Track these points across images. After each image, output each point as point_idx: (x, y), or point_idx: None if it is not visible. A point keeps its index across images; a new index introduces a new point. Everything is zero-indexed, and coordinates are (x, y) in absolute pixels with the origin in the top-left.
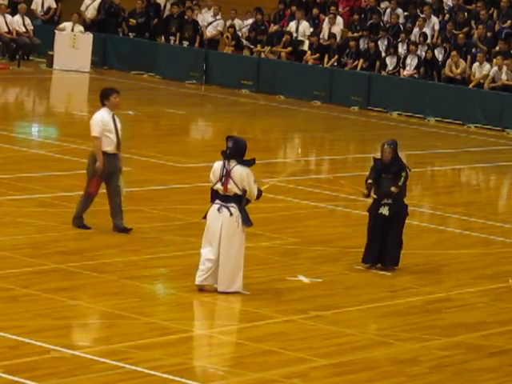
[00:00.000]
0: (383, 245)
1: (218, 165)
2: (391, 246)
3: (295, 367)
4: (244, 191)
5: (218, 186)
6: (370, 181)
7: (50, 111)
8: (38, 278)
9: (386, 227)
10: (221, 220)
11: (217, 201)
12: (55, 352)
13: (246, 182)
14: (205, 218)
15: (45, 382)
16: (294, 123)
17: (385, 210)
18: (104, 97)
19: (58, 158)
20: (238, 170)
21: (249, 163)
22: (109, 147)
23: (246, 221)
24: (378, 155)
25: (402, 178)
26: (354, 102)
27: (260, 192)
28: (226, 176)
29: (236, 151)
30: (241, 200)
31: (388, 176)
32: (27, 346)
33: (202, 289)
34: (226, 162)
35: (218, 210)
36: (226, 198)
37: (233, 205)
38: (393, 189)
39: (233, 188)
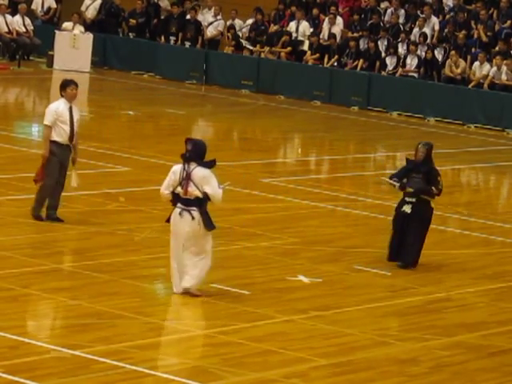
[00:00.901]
0: (402, 242)
1: (177, 168)
2: (410, 245)
3: (295, 367)
4: (205, 194)
5: (179, 190)
6: (395, 178)
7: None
8: (37, 277)
9: (407, 225)
10: (183, 224)
11: (178, 204)
12: (55, 352)
13: (206, 184)
14: (168, 221)
15: (45, 382)
16: (294, 123)
17: (408, 208)
18: (62, 88)
19: None
20: (198, 172)
21: (209, 165)
22: (60, 138)
23: (209, 224)
24: (411, 156)
25: (440, 181)
26: (353, 102)
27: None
28: (186, 179)
29: (195, 153)
30: (202, 203)
31: (418, 175)
32: (27, 346)
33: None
34: (186, 165)
35: (180, 214)
36: (187, 202)
37: (194, 208)
38: (435, 191)
39: (193, 191)
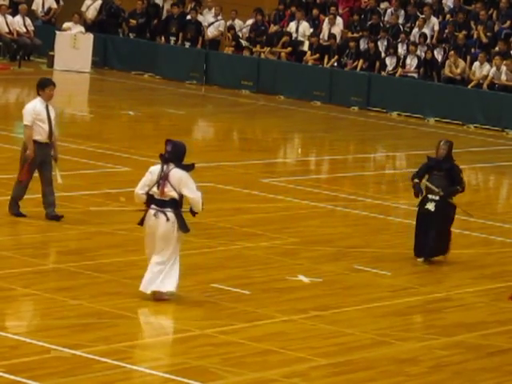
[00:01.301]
0: (426, 239)
1: (155, 168)
2: (431, 239)
3: (295, 367)
4: (181, 196)
5: (154, 190)
6: (416, 180)
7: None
8: (37, 277)
9: (430, 222)
10: (158, 225)
11: (153, 206)
12: (55, 352)
13: (184, 187)
14: (141, 224)
15: (45, 381)
16: (294, 123)
17: (431, 206)
18: (40, 87)
19: None
20: (176, 174)
21: (188, 168)
22: (40, 136)
23: (183, 227)
24: (433, 155)
25: (463, 179)
26: (353, 102)
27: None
28: (163, 179)
29: (174, 155)
30: (177, 205)
31: (440, 173)
32: (27, 346)
33: (158, 298)
34: (165, 166)
35: (155, 215)
36: (162, 203)
37: (169, 209)
38: (460, 189)
39: (169, 191)
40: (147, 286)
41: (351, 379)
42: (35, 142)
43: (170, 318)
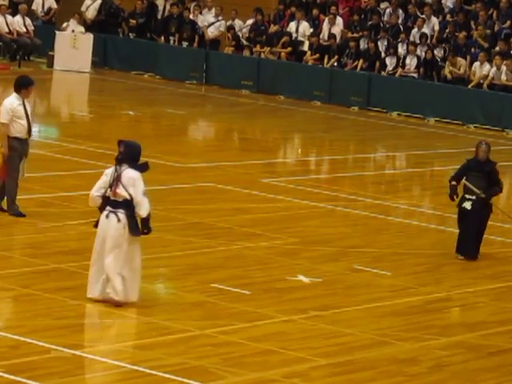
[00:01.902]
0: (464, 237)
1: (109, 170)
2: (470, 239)
3: (295, 367)
4: (132, 197)
5: (108, 191)
6: (454, 182)
7: (50, 111)
8: (37, 277)
9: (468, 221)
10: (109, 226)
11: (107, 207)
12: (55, 352)
13: (131, 185)
14: (96, 226)
15: (45, 381)
16: (294, 123)
17: (468, 205)
18: (21, 85)
19: (57, 158)
20: (128, 173)
21: (141, 168)
22: (20, 133)
23: (134, 229)
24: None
25: (500, 180)
26: (353, 102)
27: (148, 215)
28: (116, 180)
29: (127, 156)
30: (130, 206)
31: (479, 174)
32: (27, 346)
33: (105, 301)
34: (118, 167)
35: (107, 216)
36: (115, 204)
37: (121, 210)
38: (498, 190)
39: (122, 192)
40: (94, 290)
41: (351, 379)
42: (16, 138)
43: (170, 318)
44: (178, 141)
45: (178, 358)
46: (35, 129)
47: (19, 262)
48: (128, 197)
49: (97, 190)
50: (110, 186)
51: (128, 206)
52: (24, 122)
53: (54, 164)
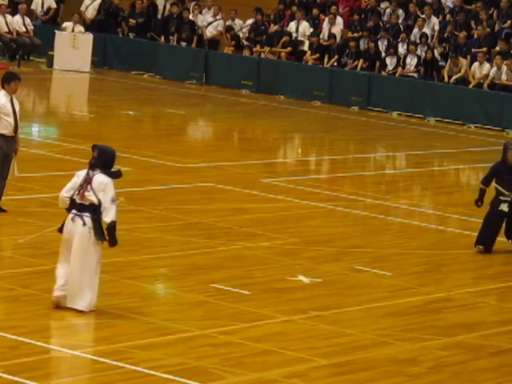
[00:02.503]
0: (493, 233)
1: (81, 172)
2: (494, 235)
3: (295, 367)
4: (100, 202)
5: (76, 194)
6: (483, 187)
7: (50, 111)
8: (37, 277)
9: (501, 221)
10: (74, 230)
11: (73, 211)
12: (55, 352)
13: (101, 190)
14: (60, 231)
15: (45, 382)
16: (294, 123)
17: (504, 207)
18: (6, 81)
19: (58, 158)
20: (99, 178)
21: (113, 175)
22: (6, 130)
23: (99, 233)
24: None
25: None
26: (353, 102)
27: (113, 223)
28: (86, 183)
29: (101, 161)
30: (97, 210)
31: (510, 177)
32: (27, 346)
33: (59, 306)
34: (90, 171)
35: (72, 219)
36: (81, 207)
37: (87, 214)
38: None
39: (90, 196)
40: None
41: (351, 379)
42: (1, 136)
43: (170, 318)
44: (177, 141)
45: (177, 358)
46: (35, 129)
47: (19, 261)
48: (95, 201)
49: (66, 191)
50: (79, 189)
51: (94, 210)
52: (11, 119)
53: (54, 164)
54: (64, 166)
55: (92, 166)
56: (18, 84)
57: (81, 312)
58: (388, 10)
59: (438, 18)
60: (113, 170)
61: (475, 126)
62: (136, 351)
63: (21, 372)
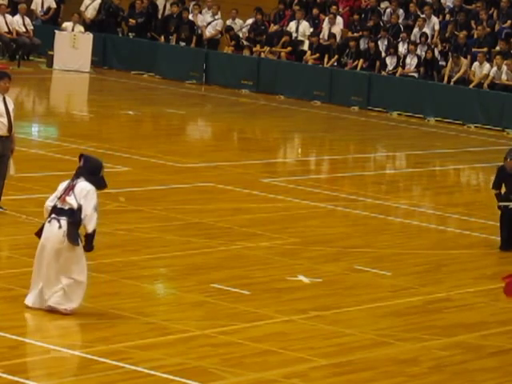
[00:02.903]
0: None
1: (65, 182)
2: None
3: (295, 367)
4: (80, 207)
5: (57, 199)
6: (496, 191)
7: (49, 111)
8: None
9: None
10: (50, 232)
11: (52, 215)
12: (55, 352)
13: (83, 196)
14: (37, 234)
15: (45, 382)
16: (294, 123)
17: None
18: None
19: (57, 158)
20: (83, 184)
21: (97, 184)
22: (0, 131)
23: (73, 238)
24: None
25: None
26: (353, 102)
27: (94, 231)
28: (68, 188)
29: (86, 170)
30: (74, 215)
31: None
32: (27, 346)
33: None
34: (75, 179)
35: (49, 221)
36: (59, 211)
37: (64, 218)
38: None
39: (70, 200)
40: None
41: (351, 380)
42: None
43: (170, 318)
44: (177, 141)
45: (177, 358)
46: (35, 128)
47: (19, 261)
48: (75, 206)
49: (51, 201)
50: (61, 194)
51: (72, 214)
52: (4, 119)
53: (54, 164)
54: (64, 166)
55: (77, 174)
56: (8, 82)
57: (64, 314)
58: (388, 10)
59: (438, 17)
60: (98, 179)
61: (475, 126)
62: (136, 351)
63: (21, 372)
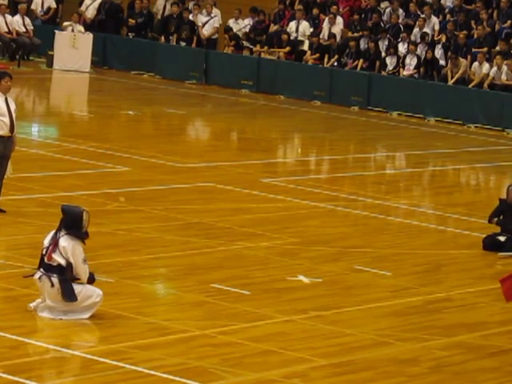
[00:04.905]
0: None
1: (52, 232)
2: None
3: (295, 367)
4: (69, 264)
5: (44, 252)
6: (495, 219)
7: (49, 111)
8: None
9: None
10: (43, 289)
11: (41, 269)
12: (55, 352)
13: (70, 254)
14: (26, 277)
15: (45, 382)
16: (294, 123)
17: (502, 238)
18: None
19: (57, 158)
20: (65, 241)
21: (79, 236)
22: (2, 131)
23: (69, 295)
24: (504, 196)
25: None
26: (354, 102)
27: (92, 276)
28: (53, 244)
29: (66, 223)
30: (64, 271)
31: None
32: (27, 346)
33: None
34: (58, 232)
35: (40, 278)
36: (48, 267)
37: (54, 275)
38: None
39: (57, 258)
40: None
41: (351, 380)
42: None
43: (170, 318)
44: (177, 141)
45: (178, 358)
46: (35, 128)
47: (19, 262)
48: (63, 263)
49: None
50: (47, 249)
51: (61, 271)
52: (6, 119)
53: (54, 164)
54: (64, 166)
55: (59, 227)
56: (9, 81)
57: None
58: (388, 10)
59: (438, 17)
60: (80, 231)
61: (475, 126)
62: (136, 351)
63: (21, 372)
